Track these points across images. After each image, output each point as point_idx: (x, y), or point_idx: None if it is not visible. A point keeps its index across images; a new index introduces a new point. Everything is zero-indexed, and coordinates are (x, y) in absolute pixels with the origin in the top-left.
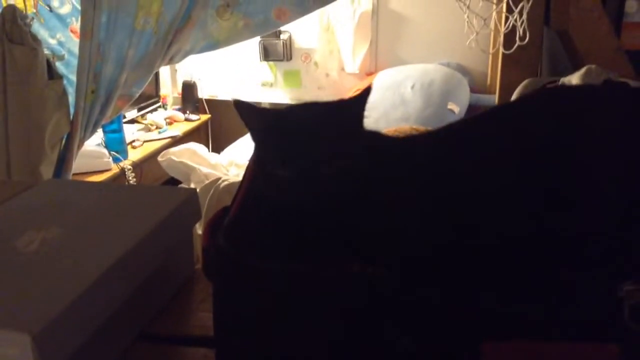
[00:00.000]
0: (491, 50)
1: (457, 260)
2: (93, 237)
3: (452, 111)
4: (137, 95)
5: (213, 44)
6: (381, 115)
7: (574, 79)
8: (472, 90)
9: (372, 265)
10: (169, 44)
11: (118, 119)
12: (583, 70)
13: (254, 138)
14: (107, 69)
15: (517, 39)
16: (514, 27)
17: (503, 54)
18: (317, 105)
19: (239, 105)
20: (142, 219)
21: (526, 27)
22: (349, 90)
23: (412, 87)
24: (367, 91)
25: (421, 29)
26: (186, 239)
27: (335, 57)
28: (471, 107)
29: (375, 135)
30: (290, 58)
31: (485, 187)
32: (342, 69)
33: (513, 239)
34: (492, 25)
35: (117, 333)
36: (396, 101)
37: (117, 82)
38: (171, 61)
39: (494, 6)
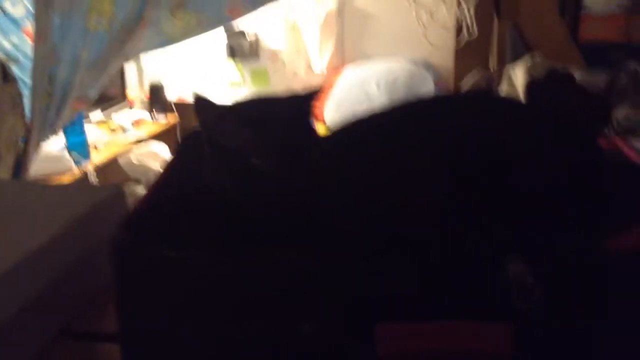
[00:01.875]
0: (441, 44)
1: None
2: (4, 233)
3: None
4: (94, 96)
5: (167, 41)
6: (347, 113)
7: (518, 68)
8: (438, 85)
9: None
10: (123, 43)
11: (80, 121)
12: (528, 59)
13: (208, 132)
14: (62, 70)
15: (465, 32)
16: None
17: (455, 47)
18: (273, 99)
19: (198, 101)
20: (58, 216)
21: (474, 20)
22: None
23: (377, 84)
24: (317, 91)
25: (386, 26)
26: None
27: (303, 56)
28: None
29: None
30: (258, 57)
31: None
32: (310, 68)
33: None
34: (440, 19)
35: (33, 330)
36: (362, 98)
37: (72, 84)
38: (126, 60)
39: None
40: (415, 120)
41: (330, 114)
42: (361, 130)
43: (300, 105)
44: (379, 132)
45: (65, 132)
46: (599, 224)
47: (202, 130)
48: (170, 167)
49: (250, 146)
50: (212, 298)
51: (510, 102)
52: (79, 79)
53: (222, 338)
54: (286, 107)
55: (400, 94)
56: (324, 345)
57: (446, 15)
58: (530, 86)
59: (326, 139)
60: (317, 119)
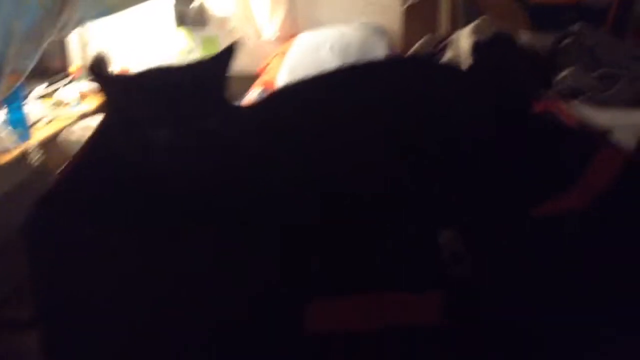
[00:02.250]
0: (388, 8)
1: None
2: None
3: None
4: (29, 68)
5: (107, 10)
6: (301, 78)
7: (465, 32)
8: (392, 50)
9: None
10: (57, 13)
11: (17, 96)
12: (473, 24)
13: (112, 103)
14: None
15: None
16: None
17: (403, 9)
18: (176, 68)
19: (94, 69)
20: None
21: None
22: (268, 55)
23: (331, 49)
24: (224, 52)
25: None
26: None
27: (252, 23)
28: None
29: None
30: (205, 24)
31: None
32: (260, 35)
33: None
34: None
35: None
36: (316, 64)
37: (6, 57)
38: (62, 31)
39: None
40: (348, 87)
41: (284, 81)
42: (297, 95)
43: (209, 71)
44: (315, 97)
45: (7, 108)
46: (526, 191)
47: (107, 102)
48: (90, 143)
49: (144, 117)
50: (125, 277)
51: (441, 68)
52: (12, 51)
53: (138, 319)
54: (191, 75)
55: (354, 59)
56: (251, 328)
57: None
58: (475, 49)
59: (255, 105)
60: (269, 85)
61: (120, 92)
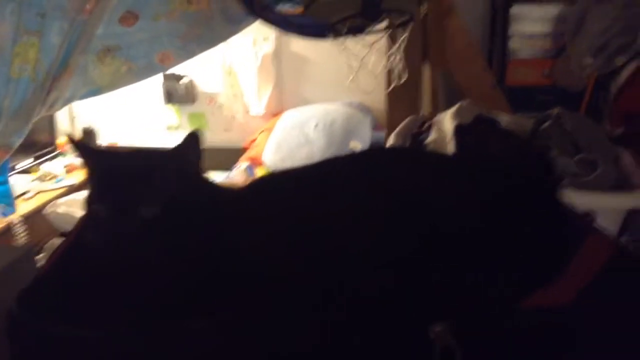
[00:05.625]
0: (370, 90)
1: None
2: None
3: (354, 149)
4: (17, 144)
5: (96, 90)
6: (286, 155)
7: (447, 115)
8: (375, 128)
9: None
10: (48, 91)
11: (4, 170)
12: (455, 107)
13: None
14: None
15: (394, 77)
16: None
17: (387, 92)
18: (146, 151)
19: (72, 141)
20: None
21: (404, 66)
22: (256, 131)
23: (316, 127)
24: (188, 138)
25: (324, 69)
26: None
27: (240, 100)
28: (373, 145)
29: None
30: (194, 101)
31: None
32: (247, 111)
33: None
34: (370, 66)
35: None
36: (301, 141)
37: None
38: (51, 109)
39: (370, 47)
40: (334, 177)
41: (270, 156)
42: (282, 183)
43: (165, 159)
44: (303, 185)
45: None
46: (519, 281)
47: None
48: (77, 229)
49: (92, 191)
50: None
51: (429, 157)
52: (1, 127)
53: None
54: (146, 160)
55: (339, 136)
56: None
57: (376, 61)
58: (457, 131)
59: (232, 190)
60: (256, 161)
61: (90, 166)
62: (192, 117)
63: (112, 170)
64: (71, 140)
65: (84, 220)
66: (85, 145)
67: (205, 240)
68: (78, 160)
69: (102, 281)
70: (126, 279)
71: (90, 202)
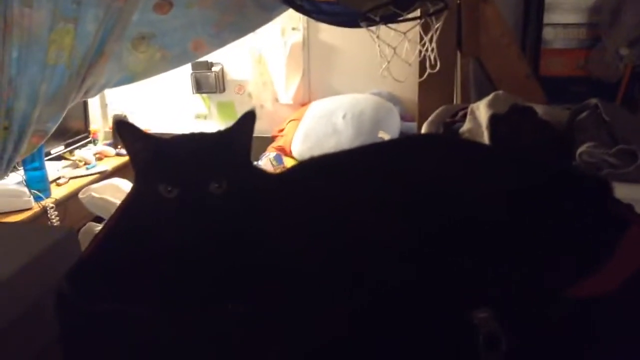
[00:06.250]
0: (403, 79)
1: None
2: None
3: (383, 139)
4: (52, 130)
5: (130, 77)
6: (314, 144)
7: (482, 104)
8: (404, 118)
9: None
10: (83, 78)
11: (40, 156)
12: (491, 96)
13: (137, 162)
14: (20, 104)
15: (427, 66)
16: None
17: (419, 82)
18: (202, 134)
19: (120, 125)
20: (4, 261)
21: (437, 55)
22: (284, 121)
23: (344, 117)
24: (243, 118)
25: (352, 59)
26: None
27: (269, 88)
28: (402, 135)
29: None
30: (224, 90)
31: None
32: (276, 100)
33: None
34: (403, 55)
35: None
36: (329, 131)
37: (30, 118)
38: (86, 95)
39: (403, 35)
40: (373, 165)
41: (298, 146)
42: (319, 170)
43: (230, 138)
44: (337, 172)
45: (24, 167)
46: (564, 267)
47: (128, 156)
48: (121, 210)
49: (156, 174)
50: (153, 353)
51: (465, 145)
52: (37, 113)
53: None
54: (205, 142)
55: (367, 126)
56: None
57: (409, 50)
58: (492, 121)
59: (273, 175)
60: (284, 151)
61: (142, 150)
62: (221, 106)
63: (174, 153)
64: (122, 124)
65: (131, 203)
66: (137, 129)
67: (257, 223)
68: (109, 148)
69: (150, 260)
70: (175, 259)
71: (148, 185)
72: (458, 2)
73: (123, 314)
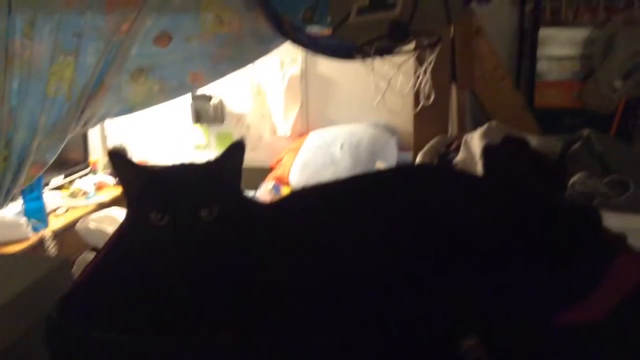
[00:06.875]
0: (398, 110)
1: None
2: None
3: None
4: (51, 161)
5: (129, 108)
6: (312, 174)
7: (476, 135)
8: (401, 148)
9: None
10: (82, 109)
11: (38, 186)
12: (484, 127)
13: (129, 192)
14: (19, 135)
15: (421, 98)
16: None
17: (414, 113)
18: (192, 163)
19: (113, 155)
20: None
21: (431, 87)
22: (282, 151)
23: (342, 147)
24: (232, 147)
25: (349, 90)
26: None
27: (267, 120)
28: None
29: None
30: (223, 121)
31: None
32: (275, 132)
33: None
34: (398, 86)
35: None
36: (327, 161)
37: (29, 149)
38: (86, 126)
39: (397, 68)
40: (365, 193)
41: (296, 176)
42: (311, 198)
43: (211, 168)
44: (333, 200)
45: (23, 197)
46: (552, 296)
47: (121, 186)
48: (114, 240)
49: (147, 202)
50: None
51: (457, 175)
52: (36, 144)
53: None
54: (195, 171)
55: (364, 156)
56: None
57: (403, 82)
58: (486, 151)
59: (264, 204)
60: (282, 181)
61: (134, 180)
62: (220, 136)
63: (165, 182)
64: (115, 155)
65: (123, 232)
66: (130, 160)
67: (247, 250)
68: (109, 178)
69: (141, 288)
70: (167, 286)
71: (140, 213)
72: (452, 36)
73: (113, 342)
